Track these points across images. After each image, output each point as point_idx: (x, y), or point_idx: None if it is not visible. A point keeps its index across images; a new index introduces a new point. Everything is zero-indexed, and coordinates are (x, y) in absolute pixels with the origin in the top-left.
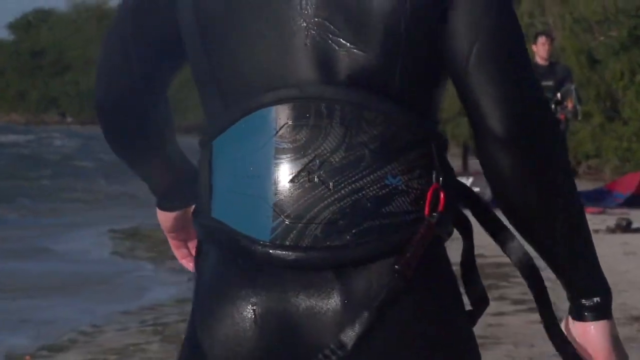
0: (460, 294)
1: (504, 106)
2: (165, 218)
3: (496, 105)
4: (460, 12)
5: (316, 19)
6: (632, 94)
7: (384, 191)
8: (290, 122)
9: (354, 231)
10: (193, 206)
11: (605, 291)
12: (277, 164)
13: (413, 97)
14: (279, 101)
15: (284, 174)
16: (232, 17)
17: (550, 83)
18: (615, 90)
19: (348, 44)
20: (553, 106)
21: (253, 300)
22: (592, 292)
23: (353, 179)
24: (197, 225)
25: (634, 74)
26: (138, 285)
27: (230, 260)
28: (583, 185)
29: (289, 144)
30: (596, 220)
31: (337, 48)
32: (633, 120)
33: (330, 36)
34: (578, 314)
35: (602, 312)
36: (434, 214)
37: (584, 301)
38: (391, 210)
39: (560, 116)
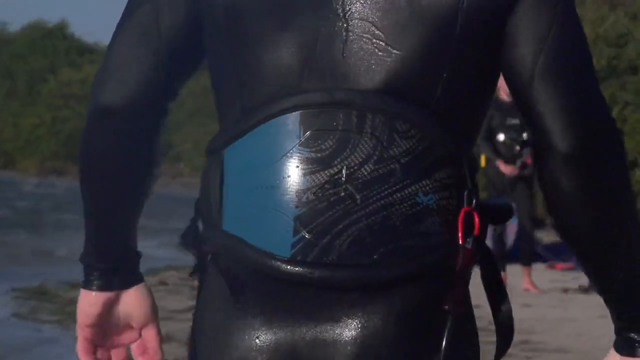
0: (476, 331)
1: (570, 121)
2: (95, 302)
3: (562, 120)
4: (523, 18)
5: (358, 21)
6: None
7: (414, 209)
8: (316, 130)
9: (382, 250)
10: (123, 296)
11: None
12: (299, 175)
13: (452, 112)
14: (305, 106)
15: (308, 185)
16: (262, 14)
17: (515, 121)
18: None
19: (391, 47)
20: (518, 148)
21: (266, 323)
22: None
23: (382, 194)
24: (205, 240)
25: (613, 104)
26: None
27: (243, 279)
28: (552, 237)
29: (314, 154)
30: (566, 278)
31: (377, 52)
32: None
33: (372, 39)
34: (629, 348)
35: None
36: (468, 239)
37: (636, 335)
38: (421, 230)
39: (526, 160)
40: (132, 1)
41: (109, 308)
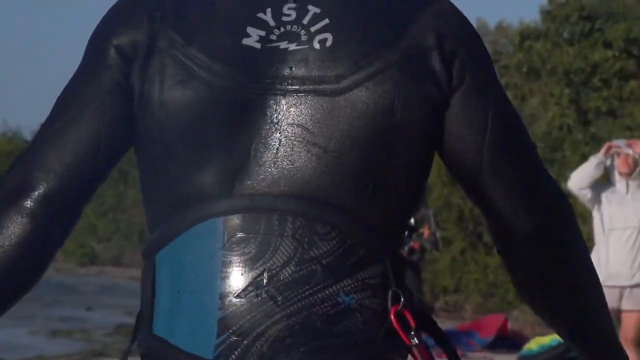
0: None
1: (526, 206)
2: None
3: (518, 206)
4: (460, 113)
5: (290, 125)
6: None
7: (335, 309)
8: (239, 234)
9: (302, 350)
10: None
11: None
12: (223, 278)
13: (378, 215)
14: (228, 212)
15: (231, 288)
16: (198, 126)
17: None
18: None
19: (322, 150)
20: (406, 233)
21: None
22: None
23: (303, 295)
24: (138, 341)
25: None
26: None
27: None
28: (440, 324)
29: (237, 257)
30: None
31: (307, 154)
32: None
33: (303, 142)
34: None
35: None
36: (412, 332)
37: None
38: (343, 329)
39: (414, 245)
40: (54, 108)
41: None
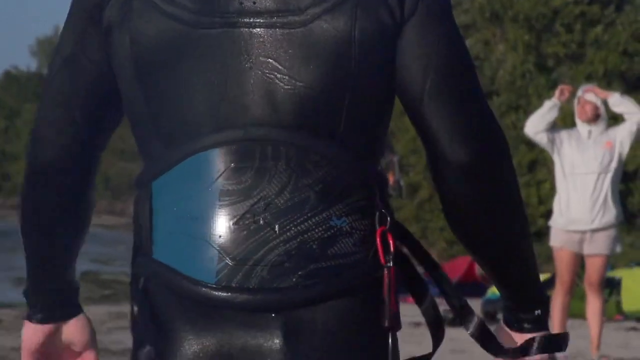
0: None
1: (462, 134)
2: (37, 332)
3: (454, 133)
4: (410, 40)
5: (261, 58)
6: None
7: (329, 233)
8: (234, 165)
9: (300, 273)
10: (64, 327)
11: (545, 305)
12: (221, 206)
13: (357, 139)
14: (224, 143)
15: (229, 216)
16: (172, 61)
17: None
18: None
19: (295, 81)
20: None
21: (198, 342)
22: (534, 306)
23: (298, 221)
24: (138, 265)
25: None
26: None
27: (174, 302)
28: None
29: (234, 186)
30: (417, 312)
31: (283, 86)
32: None
33: (276, 74)
34: (518, 325)
35: (542, 324)
36: (388, 257)
37: (523, 315)
38: (337, 251)
39: None
40: (50, 67)
41: (50, 337)
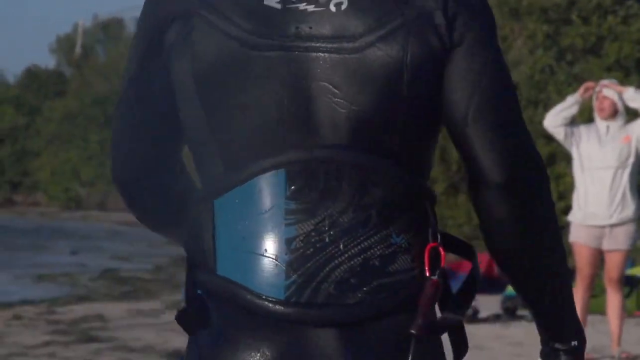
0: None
1: (500, 157)
2: None
3: (493, 156)
4: (458, 66)
5: (318, 82)
6: None
7: (389, 250)
8: (300, 185)
9: (365, 289)
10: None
11: (581, 336)
12: (287, 225)
13: (411, 158)
14: (288, 164)
15: (295, 234)
16: (230, 81)
17: None
18: None
19: (350, 104)
20: None
21: (264, 356)
22: (571, 337)
23: (361, 238)
24: (198, 282)
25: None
26: None
27: (238, 318)
28: None
29: (299, 205)
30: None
31: (339, 109)
32: None
33: (332, 98)
34: (555, 356)
35: (579, 356)
36: (437, 271)
37: (560, 345)
38: (397, 268)
39: None
40: (121, 87)
41: None
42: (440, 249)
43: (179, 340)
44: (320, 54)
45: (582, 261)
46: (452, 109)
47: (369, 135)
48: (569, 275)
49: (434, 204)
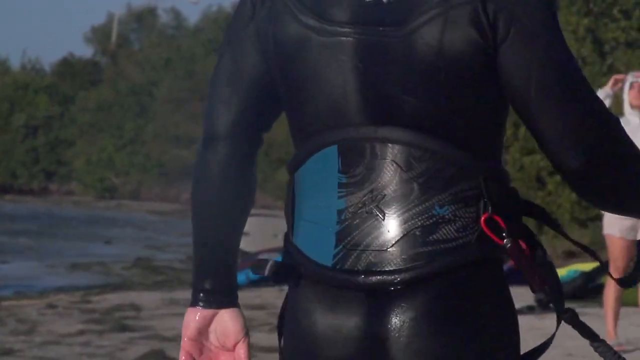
0: (515, 316)
1: (572, 141)
2: (197, 317)
3: (564, 140)
4: (511, 51)
5: (369, 65)
6: (516, 149)
7: (431, 221)
8: (350, 159)
9: (403, 257)
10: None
11: None
12: (340, 196)
13: (463, 136)
14: (342, 140)
15: (345, 205)
16: (301, 62)
17: None
18: None
19: (394, 87)
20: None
21: (319, 317)
22: None
23: (403, 210)
24: (286, 252)
25: (517, 126)
26: None
27: (303, 284)
28: None
29: (349, 179)
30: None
31: (387, 95)
32: (516, 181)
33: (379, 79)
34: None
35: None
36: (503, 234)
37: None
38: (438, 237)
39: None
40: (219, 51)
41: (208, 324)
42: (495, 216)
43: None
44: (372, 37)
45: (615, 253)
46: (513, 92)
47: (412, 115)
48: None
49: (496, 178)
